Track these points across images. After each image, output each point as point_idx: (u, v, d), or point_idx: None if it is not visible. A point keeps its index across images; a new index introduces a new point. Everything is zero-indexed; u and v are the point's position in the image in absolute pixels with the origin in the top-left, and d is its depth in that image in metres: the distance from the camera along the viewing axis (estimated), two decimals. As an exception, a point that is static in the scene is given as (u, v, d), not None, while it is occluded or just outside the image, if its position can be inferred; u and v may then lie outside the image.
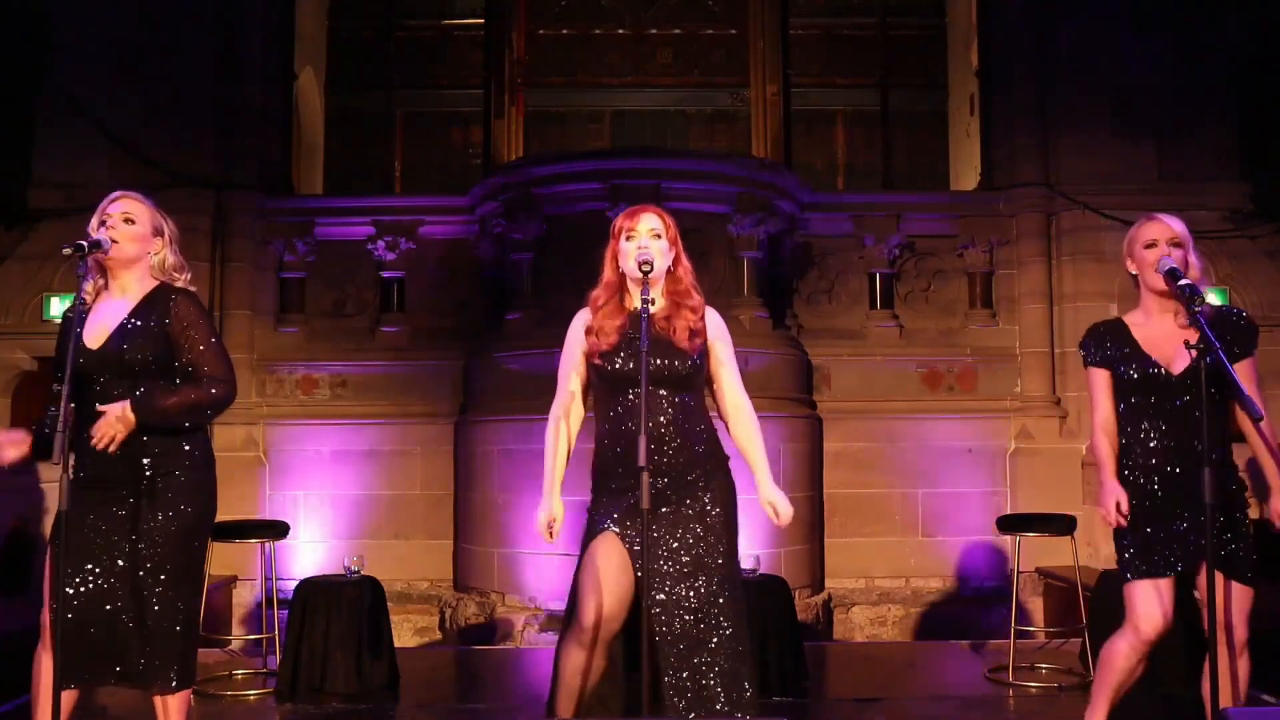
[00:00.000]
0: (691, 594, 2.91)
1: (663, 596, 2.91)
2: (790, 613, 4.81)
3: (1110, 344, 3.19)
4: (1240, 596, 3.01)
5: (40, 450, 2.90)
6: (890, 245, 7.64)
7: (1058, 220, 7.62)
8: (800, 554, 6.90)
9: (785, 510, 3.00)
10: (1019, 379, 7.61)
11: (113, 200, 3.00)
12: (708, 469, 3.01)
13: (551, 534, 2.99)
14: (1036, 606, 7.24)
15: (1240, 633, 3.01)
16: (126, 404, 2.83)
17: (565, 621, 3.03)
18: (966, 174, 8.74)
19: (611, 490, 3.00)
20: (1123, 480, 3.12)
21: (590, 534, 3.01)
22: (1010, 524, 5.34)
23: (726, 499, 3.03)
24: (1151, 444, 3.09)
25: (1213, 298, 7.13)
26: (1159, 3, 7.61)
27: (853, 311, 7.70)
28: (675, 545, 2.95)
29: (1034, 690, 4.85)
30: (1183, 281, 2.91)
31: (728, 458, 3.09)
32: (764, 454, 3.09)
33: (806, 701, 4.60)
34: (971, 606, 7.26)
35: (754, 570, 4.85)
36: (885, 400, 7.50)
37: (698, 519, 2.96)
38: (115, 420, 2.81)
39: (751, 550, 5.54)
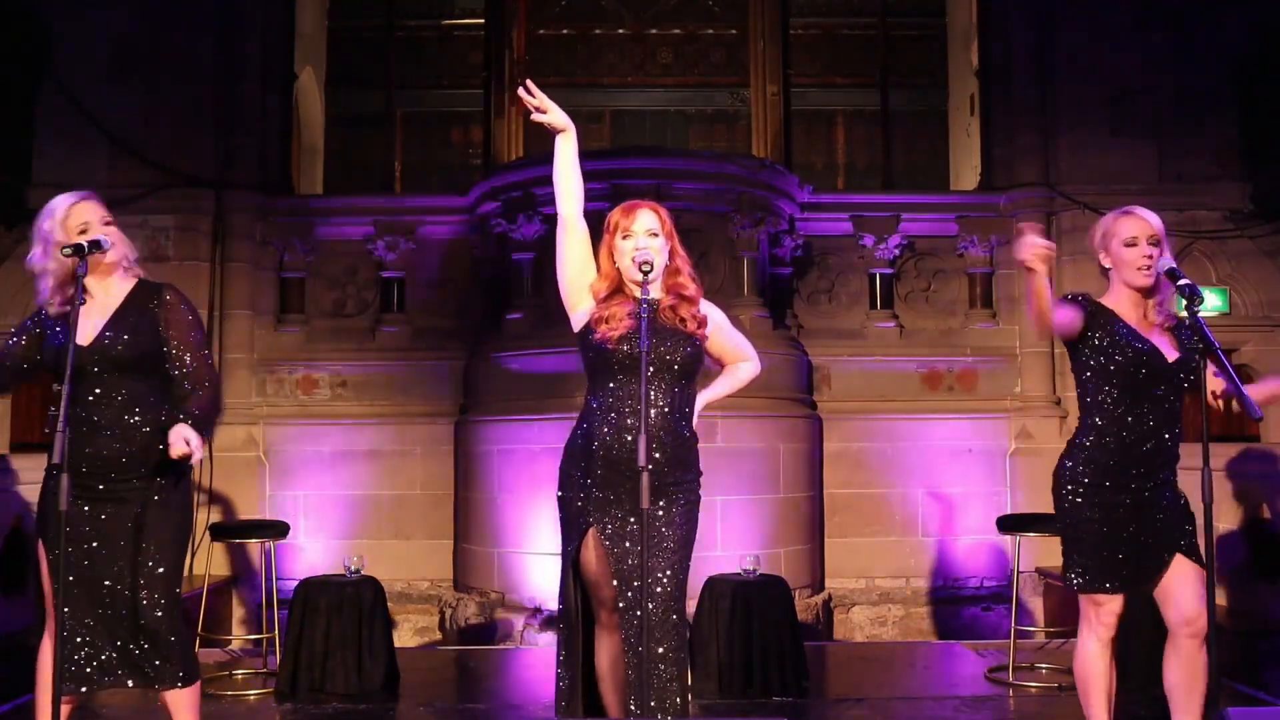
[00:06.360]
0: (649, 601, 2.83)
1: (624, 601, 2.87)
2: (790, 613, 4.80)
3: (1094, 309, 3.21)
4: (1201, 582, 2.98)
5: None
6: (890, 245, 7.65)
7: (1058, 220, 7.62)
8: (800, 554, 6.90)
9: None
10: (1019, 379, 7.61)
11: (74, 205, 2.99)
12: (683, 477, 2.95)
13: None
14: (1036, 606, 7.24)
15: (1205, 620, 2.95)
16: (190, 427, 2.83)
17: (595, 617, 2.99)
18: (966, 174, 8.74)
19: (597, 480, 2.91)
20: (1090, 479, 3.11)
21: (575, 526, 2.96)
22: (1010, 524, 5.33)
23: (691, 514, 2.97)
24: (1119, 437, 3.07)
25: (1213, 298, 7.27)
26: (1159, 3, 7.61)
27: (853, 311, 7.71)
28: (640, 550, 2.86)
29: (1034, 690, 4.85)
30: (1182, 281, 2.88)
31: (700, 472, 3.04)
32: (728, 384, 3.21)
33: (806, 701, 4.60)
34: (971, 606, 7.27)
35: (754, 570, 4.85)
36: (885, 400, 7.51)
37: (666, 525, 2.91)
38: (186, 440, 2.81)
39: (751, 550, 5.57)
